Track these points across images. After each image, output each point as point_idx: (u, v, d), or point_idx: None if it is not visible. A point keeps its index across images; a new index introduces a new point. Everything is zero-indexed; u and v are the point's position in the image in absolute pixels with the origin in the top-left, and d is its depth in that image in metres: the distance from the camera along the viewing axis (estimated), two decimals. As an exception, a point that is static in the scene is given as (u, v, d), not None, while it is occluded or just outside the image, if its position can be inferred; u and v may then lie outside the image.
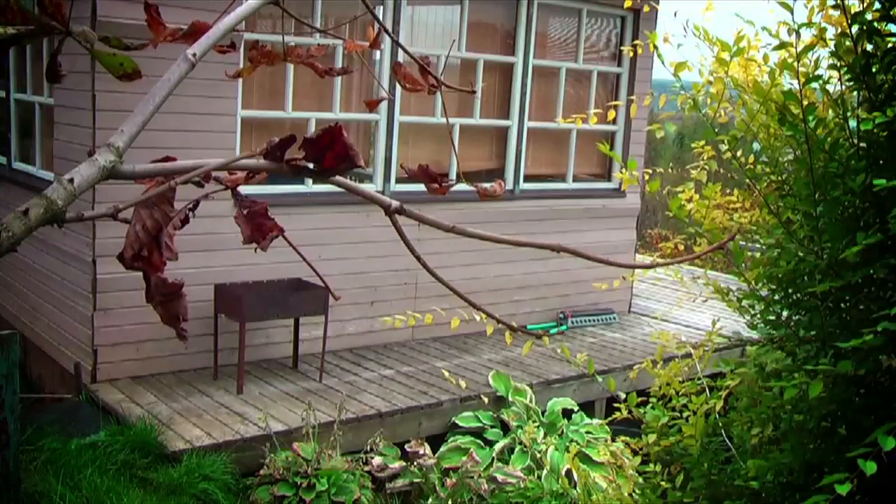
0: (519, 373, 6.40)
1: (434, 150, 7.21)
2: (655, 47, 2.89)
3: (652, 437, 3.09)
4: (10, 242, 1.14)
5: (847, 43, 2.28)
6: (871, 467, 1.78)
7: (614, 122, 7.97)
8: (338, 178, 1.37)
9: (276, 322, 6.09)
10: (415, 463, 5.26)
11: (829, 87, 2.50)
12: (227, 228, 5.52)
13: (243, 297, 5.66)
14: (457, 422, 5.78)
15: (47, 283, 6.33)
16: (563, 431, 5.82)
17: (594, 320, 7.94)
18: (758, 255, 2.90)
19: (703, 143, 3.03)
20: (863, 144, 2.31)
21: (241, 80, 5.77)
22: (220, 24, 1.33)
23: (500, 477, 5.14)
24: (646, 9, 3.33)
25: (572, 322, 7.79)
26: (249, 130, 6.14)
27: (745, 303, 2.77)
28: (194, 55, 1.29)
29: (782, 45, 2.40)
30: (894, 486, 2.16)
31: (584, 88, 7.95)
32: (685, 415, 3.05)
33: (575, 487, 5.13)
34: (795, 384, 2.15)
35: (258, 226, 1.41)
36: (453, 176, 7.00)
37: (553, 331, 7.54)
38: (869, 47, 2.28)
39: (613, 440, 5.52)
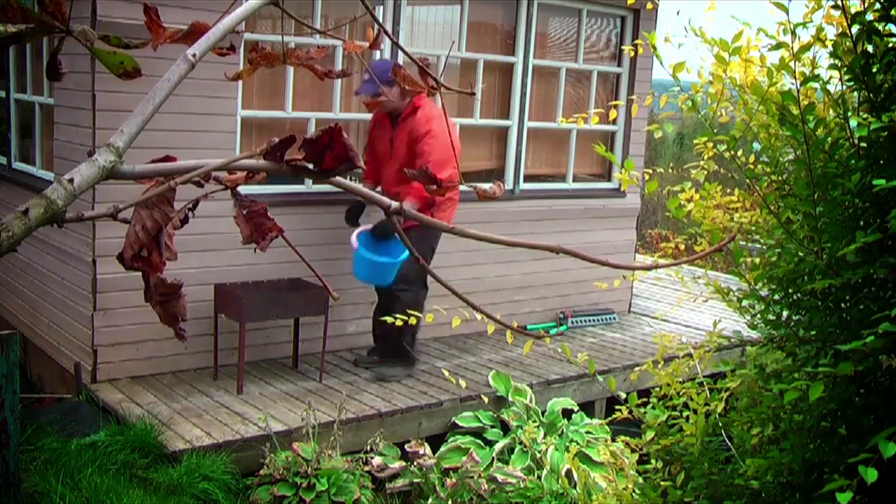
0: (519, 373, 6.40)
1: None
2: (654, 48, 2.89)
3: (650, 434, 3.09)
4: (10, 242, 1.14)
5: (847, 43, 2.28)
6: (871, 475, 1.77)
7: (614, 122, 7.97)
8: (337, 178, 1.37)
9: (276, 322, 6.08)
10: (415, 463, 5.26)
11: (830, 87, 2.50)
12: (227, 228, 5.52)
13: (243, 297, 5.66)
14: (457, 422, 5.79)
15: (47, 283, 6.33)
16: (563, 431, 5.82)
17: (594, 320, 7.94)
18: (757, 258, 2.90)
19: (704, 139, 3.03)
20: (863, 144, 2.31)
21: (240, 80, 5.76)
22: (219, 24, 1.34)
23: (500, 477, 5.14)
24: (649, 6, 3.33)
25: (572, 322, 7.78)
26: (249, 130, 6.14)
27: (745, 303, 2.77)
28: (194, 55, 1.30)
29: (779, 45, 2.40)
30: (894, 486, 2.16)
31: (584, 88, 7.95)
32: (685, 414, 3.05)
33: (575, 487, 5.13)
34: (797, 386, 2.15)
35: (258, 226, 1.41)
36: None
37: (553, 331, 7.54)
38: (869, 48, 2.28)
39: (613, 440, 5.52)
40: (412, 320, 4.09)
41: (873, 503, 2.22)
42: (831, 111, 2.51)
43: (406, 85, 1.54)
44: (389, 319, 4.25)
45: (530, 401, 5.96)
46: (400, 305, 5.59)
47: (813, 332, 2.44)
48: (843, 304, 2.44)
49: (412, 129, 5.70)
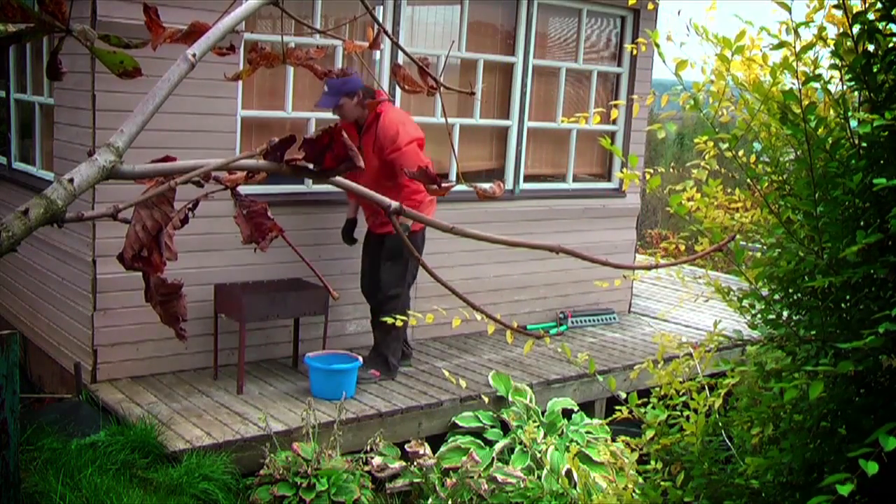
0: (519, 373, 6.40)
1: (434, 150, 7.20)
2: (657, 45, 2.88)
3: (650, 433, 3.09)
4: (10, 242, 1.14)
5: (848, 43, 2.28)
6: (872, 468, 1.78)
7: (615, 122, 7.97)
8: (337, 178, 1.37)
9: (276, 322, 6.08)
10: (415, 463, 5.26)
11: (831, 87, 2.50)
12: (227, 228, 5.53)
13: (243, 297, 5.66)
14: (457, 422, 5.78)
15: (47, 283, 6.33)
16: (563, 431, 5.82)
17: (594, 320, 7.93)
18: (758, 254, 2.90)
19: (705, 138, 3.03)
20: (863, 144, 2.31)
21: (240, 80, 5.76)
22: (219, 24, 1.33)
23: (500, 477, 5.14)
24: (650, 6, 3.34)
25: (572, 322, 7.78)
26: (249, 130, 6.14)
27: (745, 302, 2.77)
28: (194, 55, 1.29)
29: (781, 45, 2.40)
30: (895, 486, 2.16)
31: (584, 88, 7.95)
32: (685, 413, 3.05)
33: (575, 487, 5.13)
34: (796, 385, 2.15)
35: (258, 226, 1.41)
36: (453, 176, 7.00)
37: (553, 331, 7.54)
38: (870, 47, 2.28)
39: (613, 440, 5.52)
40: (399, 322, 4.31)
41: (873, 502, 2.22)
42: (832, 111, 2.51)
43: (406, 85, 1.54)
44: (389, 320, 4.42)
45: (530, 401, 5.96)
46: (393, 306, 5.78)
47: (813, 332, 2.43)
48: (843, 304, 2.44)
49: (378, 136, 5.70)
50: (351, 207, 6.21)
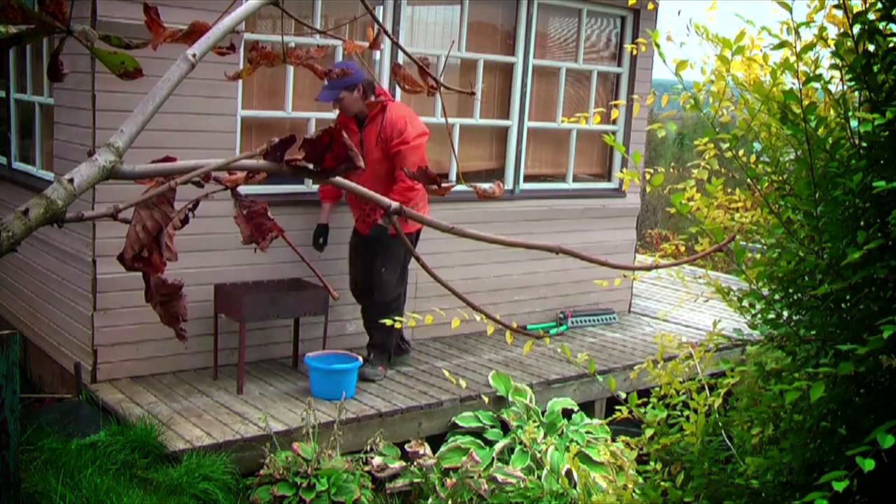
0: (519, 373, 6.40)
1: (434, 150, 7.20)
2: (657, 45, 2.88)
3: (650, 433, 3.09)
4: (10, 242, 1.14)
5: (848, 43, 2.28)
6: (868, 464, 1.78)
7: (615, 122, 7.97)
8: (337, 178, 1.37)
9: (276, 322, 6.08)
10: (415, 463, 5.26)
11: (831, 87, 2.50)
12: (227, 228, 5.53)
13: (243, 297, 5.66)
14: (457, 422, 5.78)
15: (47, 283, 6.33)
16: (563, 431, 5.82)
17: (594, 320, 7.93)
18: (758, 255, 2.90)
19: (705, 139, 3.03)
20: (864, 144, 2.31)
21: (240, 80, 5.76)
22: (219, 24, 1.33)
23: (500, 477, 5.14)
24: (650, 6, 3.34)
25: (572, 322, 7.78)
26: (249, 130, 6.14)
27: (745, 302, 2.77)
28: (194, 55, 1.29)
29: (782, 45, 2.40)
30: (894, 486, 2.16)
31: (584, 88, 7.95)
32: (685, 413, 3.05)
33: (575, 487, 5.13)
34: (797, 387, 2.15)
35: (258, 226, 1.41)
36: (453, 176, 7.00)
37: (553, 331, 7.53)
38: (870, 47, 2.28)
39: (613, 440, 5.52)
40: (398, 324, 4.34)
41: (872, 501, 2.22)
42: (832, 111, 2.51)
43: (406, 85, 1.54)
44: (389, 322, 4.44)
45: (530, 401, 5.96)
46: (396, 305, 5.83)
47: (813, 332, 2.44)
48: (843, 304, 2.44)
49: (383, 129, 5.70)
50: (323, 212, 6.11)
